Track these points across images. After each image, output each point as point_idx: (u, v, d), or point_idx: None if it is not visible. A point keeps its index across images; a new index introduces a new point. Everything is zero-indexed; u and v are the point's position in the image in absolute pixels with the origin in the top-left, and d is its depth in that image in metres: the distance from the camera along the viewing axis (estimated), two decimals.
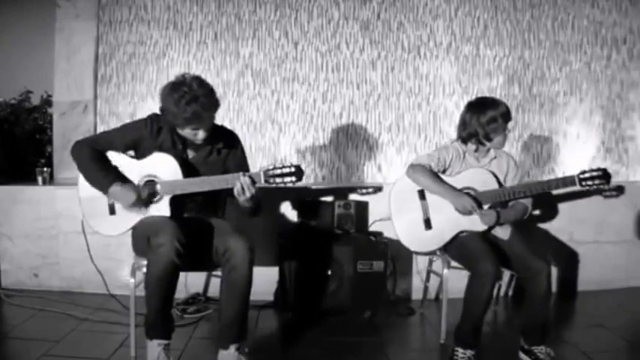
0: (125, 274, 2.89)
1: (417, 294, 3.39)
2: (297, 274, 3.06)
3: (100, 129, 3.70)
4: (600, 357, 2.53)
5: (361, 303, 3.06)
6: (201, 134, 2.31)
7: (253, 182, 2.26)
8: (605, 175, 2.58)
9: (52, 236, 3.38)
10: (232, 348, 2.24)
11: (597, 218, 3.62)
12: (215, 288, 3.02)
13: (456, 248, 2.64)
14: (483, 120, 2.59)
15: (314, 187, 3.50)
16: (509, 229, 2.65)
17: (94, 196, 2.38)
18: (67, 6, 3.74)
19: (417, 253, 3.05)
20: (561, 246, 3.58)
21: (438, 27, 3.85)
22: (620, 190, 3.62)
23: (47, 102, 4.35)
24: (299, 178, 2.28)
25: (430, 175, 2.63)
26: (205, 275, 3.31)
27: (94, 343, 2.58)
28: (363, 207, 3.30)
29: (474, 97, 2.99)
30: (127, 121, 2.70)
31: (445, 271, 2.71)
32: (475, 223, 2.60)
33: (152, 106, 3.41)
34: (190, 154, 2.43)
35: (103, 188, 2.32)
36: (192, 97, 2.22)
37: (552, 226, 3.58)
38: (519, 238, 2.62)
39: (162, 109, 2.32)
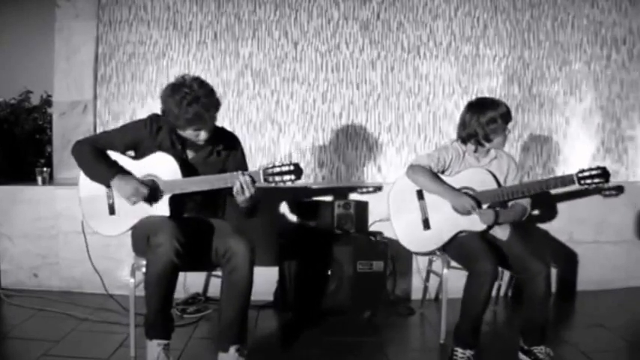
0: (125, 274, 2.89)
1: (416, 294, 3.39)
2: (296, 274, 3.06)
3: (100, 129, 3.70)
4: (600, 357, 2.53)
5: (361, 303, 3.06)
6: (203, 135, 2.31)
7: (253, 181, 2.27)
8: (604, 173, 2.59)
9: (52, 236, 3.38)
10: (232, 350, 2.23)
11: (597, 218, 3.62)
12: (215, 288, 3.03)
13: (455, 248, 2.64)
14: (483, 120, 2.59)
15: (314, 186, 3.50)
16: (508, 229, 2.65)
17: (94, 196, 2.39)
18: (67, 6, 3.75)
19: (417, 253, 3.05)
20: (561, 246, 3.58)
21: (437, 27, 3.85)
22: (619, 190, 3.62)
23: (47, 102, 4.35)
24: (298, 177, 2.29)
25: (429, 175, 2.62)
26: (205, 275, 3.31)
27: (94, 343, 2.58)
28: (362, 207, 3.30)
29: (473, 97, 2.99)
30: (127, 121, 2.70)
31: (445, 271, 2.71)
32: (474, 223, 2.60)
33: (152, 106, 3.43)
34: (190, 154, 2.44)
35: (106, 180, 2.32)
36: (194, 97, 2.22)
37: (552, 227, 3.58)
38: (518, 238, 2.62)
39: (163, 111, 2.32)
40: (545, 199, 3.50)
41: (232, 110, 3.78)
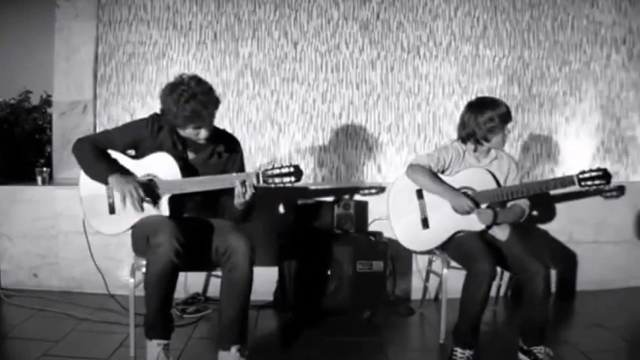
0: (125, 274, 2.89)
1: (416, 294, 3.39)
2: (296, 274, 3.06)
3: (100, 129, 3.70)
4: (599, 357, 2.53)
5: (361, 303, 3.06)
6: (203, 133, 2.31)
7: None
8: (605, 175, 2.57)
9: (52, 236, 3.38)
10: (233, 350, 2.23)
11: (597, 218, 3.62)
12: (215, 288, 3.03)
13: (454, 248, 2.64)
14: (481, 120, 2.59)
15: (313, 187, 3.50)
16: (507, 230, 2.65)
17: (94, 195, 2.38)
18: (67, 6, 3.74)
19: (415, 252, 3.05)
20: (561, 246, 3.58)
21: (437, 27, 3.85)
22: (620, 190, 3.62)
23: (47, 102, 4.35)
24: (298, 179, 2.28)
25: (429, 175, 2.62)
26: (205, 275, 3.31)
27: (94, 343, 2.58)
28: (362, 207, 3.30)
29: (473, 97, 2.99)
30: (127, 120, 2.70)
31: (445, 270, 2.71)
32: (473, 223, 2.60)
33: (152, 106, 3.43)
34: (190, 155, 2.44)
35: (104, 178, 2.31)
36: (191, 94, 2.23)
37: (552, 227, 3.58)
38: (518, 239, 2.61)
39: (162, 110, 2.33)
40: (544, 199, 3.50)
41: (232, 110, 3.77)
